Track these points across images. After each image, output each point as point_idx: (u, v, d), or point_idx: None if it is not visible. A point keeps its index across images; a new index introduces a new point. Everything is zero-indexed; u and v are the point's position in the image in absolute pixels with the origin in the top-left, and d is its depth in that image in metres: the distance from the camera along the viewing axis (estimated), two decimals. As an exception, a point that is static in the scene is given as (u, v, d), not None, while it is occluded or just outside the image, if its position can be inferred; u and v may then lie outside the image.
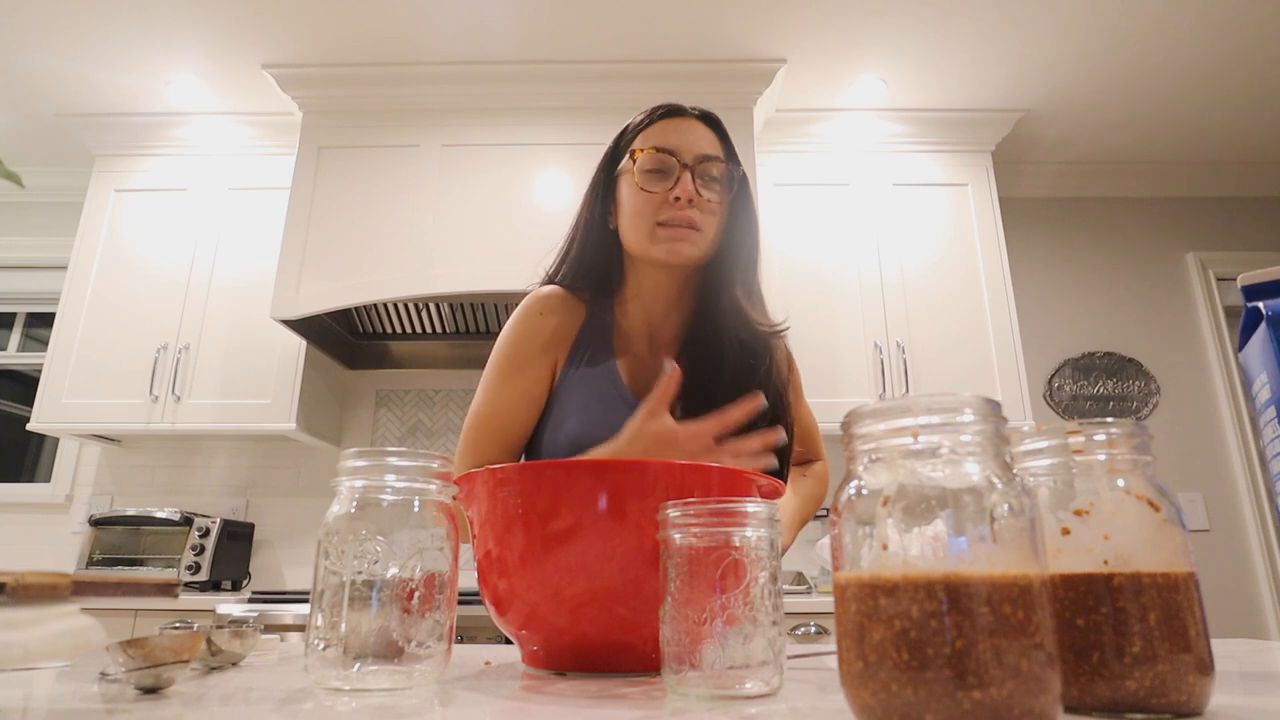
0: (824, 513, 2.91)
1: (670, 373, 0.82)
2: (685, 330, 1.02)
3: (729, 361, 0.96)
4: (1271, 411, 0.56)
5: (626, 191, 0.98)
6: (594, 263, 1.02)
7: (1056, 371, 3.14)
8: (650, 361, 1.01)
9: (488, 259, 2.58)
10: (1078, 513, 0.42)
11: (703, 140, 0.97)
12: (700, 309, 1.01)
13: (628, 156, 0.98)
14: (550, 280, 1.05)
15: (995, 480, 0.34)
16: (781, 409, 0.98)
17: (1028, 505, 0.34)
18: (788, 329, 1.03)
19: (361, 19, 2.54)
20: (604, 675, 0.58)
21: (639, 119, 1.01)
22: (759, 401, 0.82)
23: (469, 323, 2.85)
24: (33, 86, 2.82)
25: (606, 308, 1.03)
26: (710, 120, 1.00)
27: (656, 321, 1.02)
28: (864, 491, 0.36)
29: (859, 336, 2.73)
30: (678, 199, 0.93)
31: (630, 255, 1.00)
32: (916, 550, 0.34)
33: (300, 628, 2.07)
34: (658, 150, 0.95)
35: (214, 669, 0.59)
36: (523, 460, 1.02)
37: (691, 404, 0.93)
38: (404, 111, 2.78)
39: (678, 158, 0.94)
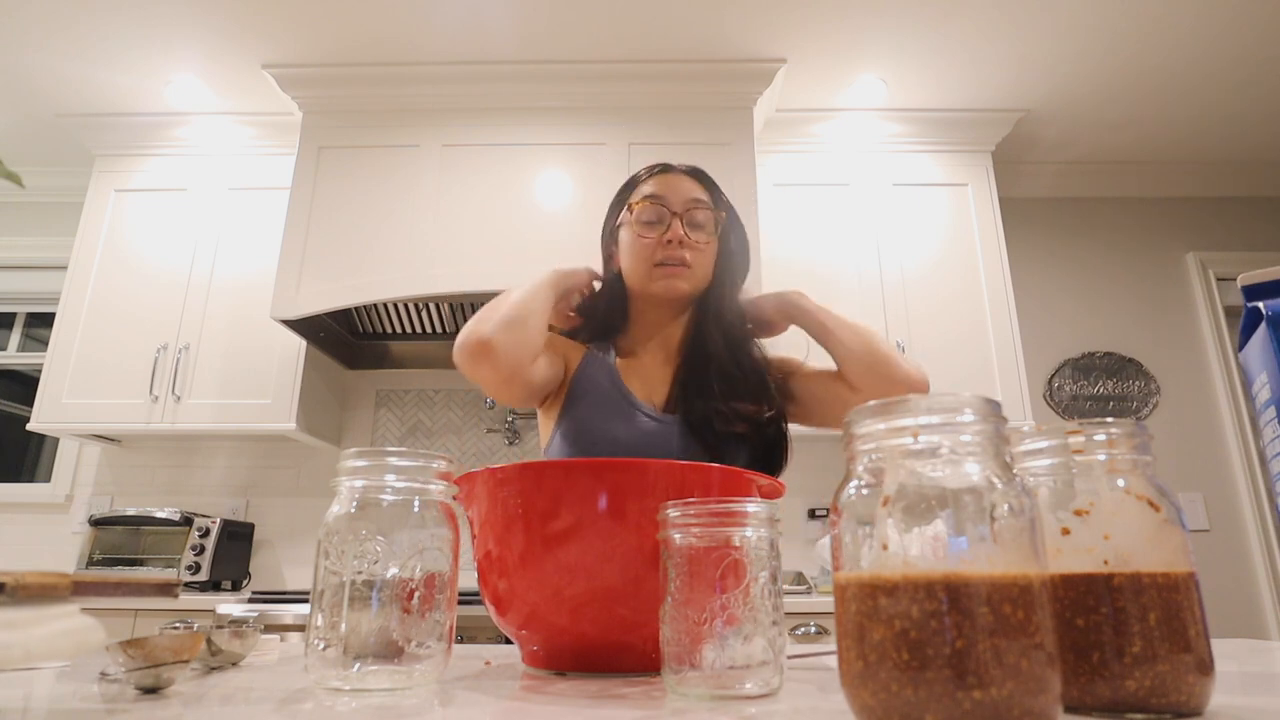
0: (824, 512, 2.91)
1: None
2: (683, 344, 1.15)
3: (718, 365, 1.08)
4: (1271, 411, 0.56)
5: (626, 239, 1.12)
6: (603, 305, 1.16)
7: (1056, 371, 3.14)
8: (653, 365, 1.13)
9: (488, 259, 2.58)
10: (1078, 513, 0.42)
11: (690, 189, 1.11)
12: (696, 328, 1.14)
13: (625, 209, 1.12)
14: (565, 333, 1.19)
15: (995, 480, 0.34)
16: (768, 397, 1.08)
17: (1028, 505, 0.34)
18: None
19: (361, 19, 2.54)
20: (604, 675, 0.58)
21: (637, 175, 1.16)
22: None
23: (469, 323, 2.85)
24: (33, 86, 2.82)
25: (609, 345, 1.16)
26: (697, 174, 1.14)
27: (661, 339, 1.15)
28: (864, 491, 0.36)
29: (859, 336, 2.72)
30: (669, 241, 1.07)
31: (632, 293, 1.13)
32: (916, 550, 0.33)
33: (300, 628, 2.07)
34: (651, 202, 1.09)
35: (214, 669, 0.59)
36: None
37: (690, 396, 1.07)
38: (404, 111, 2.78)
39: (668, 206, 1.08)
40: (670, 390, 1.10)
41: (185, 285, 2.82)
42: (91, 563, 2.58)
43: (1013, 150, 3.14)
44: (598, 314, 1.17)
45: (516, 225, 2.61)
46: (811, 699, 0.46)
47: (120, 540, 2.62)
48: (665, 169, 1.15)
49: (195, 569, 2.52)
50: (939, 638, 0.31)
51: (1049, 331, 3.16)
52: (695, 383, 1.07)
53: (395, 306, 2.71)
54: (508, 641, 1.18)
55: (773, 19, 2.54)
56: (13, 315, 3.41)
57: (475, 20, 2.55)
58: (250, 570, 2.87)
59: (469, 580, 2.32)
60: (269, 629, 2.03)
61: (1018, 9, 2.48)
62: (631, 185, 1.16)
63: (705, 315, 1.12)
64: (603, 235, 1.19)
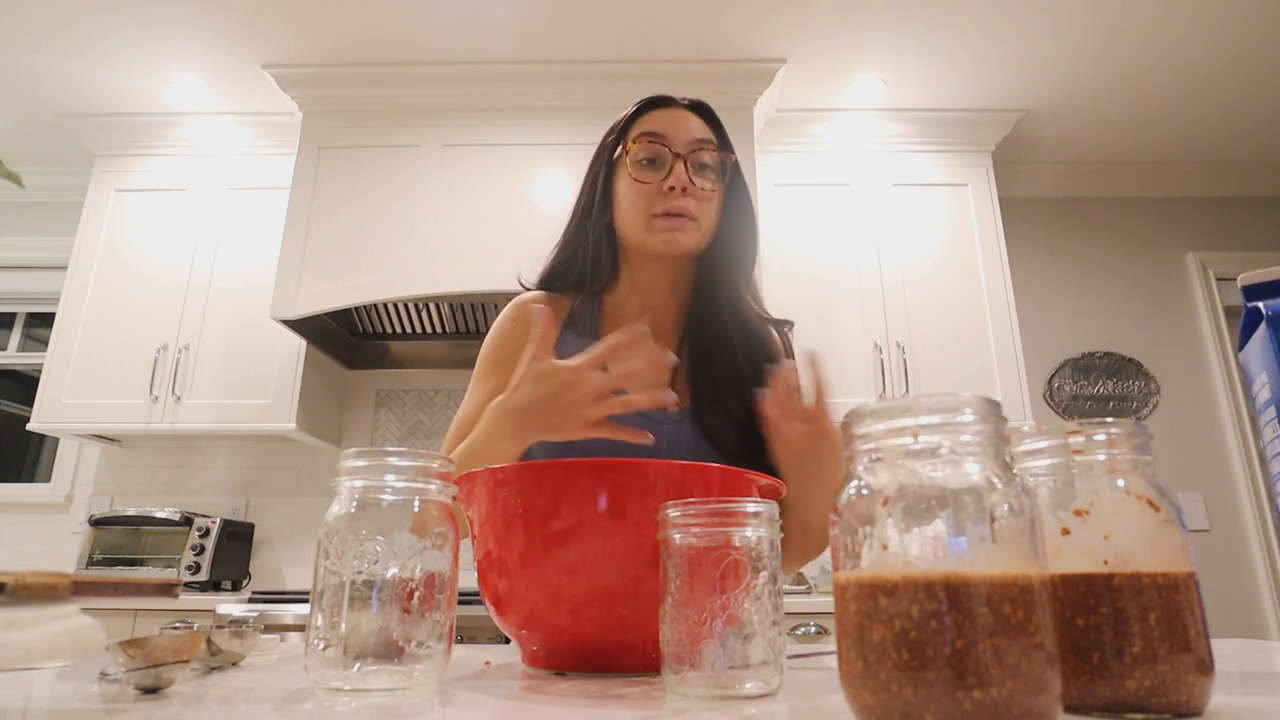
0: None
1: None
2: (684, 318, 1.02)
3: (736, 346, 0.96)
4: (1271, 411, 0.56)
5: (621, 184, 0.97)
6: (587, 256, 1.00)
7: (1056, 371, 3.14)
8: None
9: (488, 259, 2.58)
10: (1078, 513, 0.41)
11: (694, 128, 0.97)
12: (699, 297, 1.01)
13: (620, 148, 0.97)
14: (540, 282, 1.05)
15: (995, 480, 0.34)
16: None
17: (1028, 505, 0.34)
18: (791, 324, 1.03)
19: (361, 19, 2.54)
20: (604, 675, 0.58)
21: (630, 110, 1.01)
22: (668, 357, 0.76)
23: (469, 323, 2.85)
24: (33, 86, 2.82)
25: (595, 302, 1.02)
26: (701, 109, 1.00)
27: (654, 311, 1.01)
28: (864, 491, 0.36)
29: (859, 336, 2.72)
30: (672, 189, 0.92)
31: (625, 247, 0.99)
32: (916, 550, 0.33)
33: (300, 628, 2.07)
34: (650, 140, 0.95)
35: (214, 669, 0.59)
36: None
37: (699, 390, 0.94)
38: (404, 111, 2.78)
39: (670, 147, 0.94)
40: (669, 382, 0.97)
41: (185, 285, 2.82)
42: (91, 563, 2.58)
43: (1013, 150, 3.14)
44: (580, 263, 1.00)
45: (516, 225, 2.61)
46: (811, 699, 0.46)
47: (120, 540, 2.62)
48: (666, 101, 1.00)
49: (195, 569, 2.52)
50: (939, 638, 0.31)
51: (1049, 331, 3.16)
52: (707, 379, 0.94)
53: (395, 306, 2.71)
54: (508, 641, 1.18)
55: (773, 19, 2.54)
56: (13, 315, 3.41)
57: (475, 20, 2.55)
58: (250, 570, 2.87)
59: (469, 580, 2.32)
60: (269, 629, 2.03)
61: (1018, 9, 2.48)
62: (625, 120, 1.00)
63: (716, 288, 0.97)
64: (586, 178, 1.02)
